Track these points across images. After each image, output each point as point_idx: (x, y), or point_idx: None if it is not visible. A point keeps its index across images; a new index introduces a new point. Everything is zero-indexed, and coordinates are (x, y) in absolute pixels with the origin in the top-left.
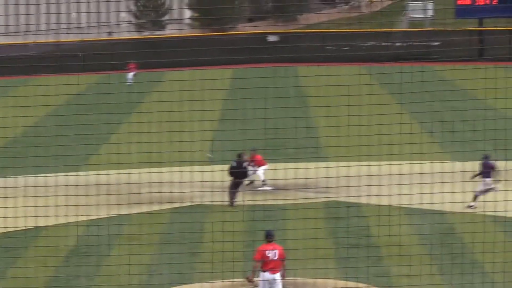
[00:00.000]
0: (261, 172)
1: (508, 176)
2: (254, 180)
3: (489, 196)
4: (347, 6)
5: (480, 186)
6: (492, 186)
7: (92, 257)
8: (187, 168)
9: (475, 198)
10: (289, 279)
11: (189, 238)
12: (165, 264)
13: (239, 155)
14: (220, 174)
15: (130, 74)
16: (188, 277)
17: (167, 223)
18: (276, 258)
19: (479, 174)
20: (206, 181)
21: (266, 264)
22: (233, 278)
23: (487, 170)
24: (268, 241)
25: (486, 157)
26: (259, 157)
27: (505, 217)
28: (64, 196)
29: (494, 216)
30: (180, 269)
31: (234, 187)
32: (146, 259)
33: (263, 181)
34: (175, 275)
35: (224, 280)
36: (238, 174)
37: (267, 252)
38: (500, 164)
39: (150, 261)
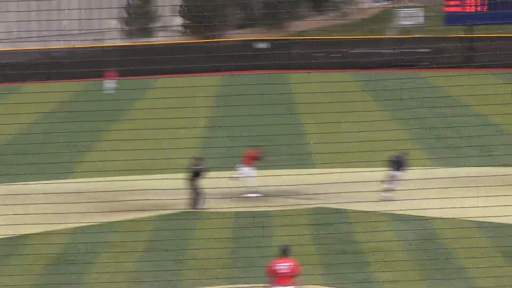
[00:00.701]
0: (253, 179)
1: (493, 182)
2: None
3: (472, 201)
4: (337, 13)
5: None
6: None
7: (78, 265)
8: (173, 176)
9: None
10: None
11: (175, 245)
12: (151, 271)
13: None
14: (207, 181)
15: (109, 82)
16: (174, 285)
17: (153, 231)
18: (286, 272)
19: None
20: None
21: (276, 279)
22: (218, 285)
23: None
24: (281, 256)
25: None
26: (252, 153)
27: (488, 222)
28: (50, 204)
29: (478, 222)
30: (166, 277)
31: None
32: (132, 266)
33: (253, 188)
34: (161, 283)
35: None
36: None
37: (277, 266)
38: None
39: (136, 268)
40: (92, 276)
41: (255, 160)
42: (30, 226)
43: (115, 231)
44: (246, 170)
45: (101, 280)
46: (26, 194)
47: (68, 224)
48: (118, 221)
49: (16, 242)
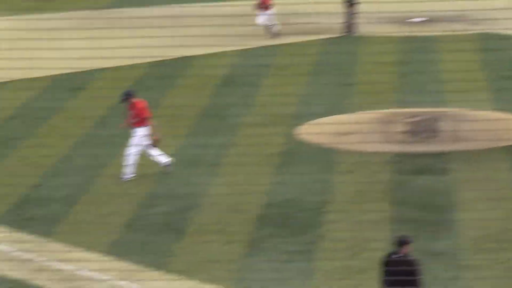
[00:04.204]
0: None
1: None
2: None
3: None
4: None
5: None
6: None
7: (245, 87)
8: None
9: None
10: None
11: (342, 69)
12: (319, 94)
13: None
14: (368, 5)
15: None
16: (341, 107)
17: (319, 54)
18: None
19: None
20: (359, 13)
21: None
22: (383, 109)
23: None
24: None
25: None
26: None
27: None
28: (217, 26)
29: None
30: (333, 100)
31: None
32: (298, 89)
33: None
34: (328, 106)
35: (374, 111)
36: None
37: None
38: None
39: (303, 91)
40: (260, 98)
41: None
42: (196, 48)
43: (282, 55)
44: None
45: (268, 103)
46: (190, 16)
47: (233, 47)
48: (284, 44)
49: (180, 64)
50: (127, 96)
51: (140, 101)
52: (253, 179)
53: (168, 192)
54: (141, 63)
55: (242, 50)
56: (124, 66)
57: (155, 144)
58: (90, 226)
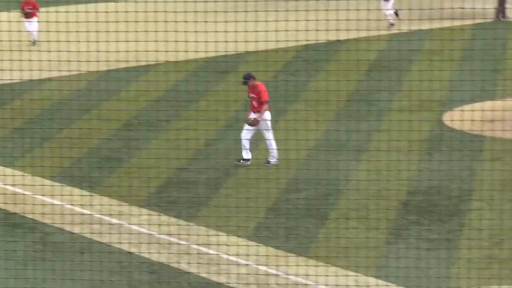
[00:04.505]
0: None
1: None
2: None
3: None
4: None
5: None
6: None
7: (393, 72)
8: None
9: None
10: None
11: (492, 55)
12: (467, 80)
13: None
14: None
15: None
16: (488, 94)
17: (469, 39)
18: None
19: None
20: None
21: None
22: None
23: None
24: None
25: None
26: None
27: None
28: (368, 11)
29: None
30: (482, 86)
31: None
32: (446, 75)
33: None
34: (476, 92)
35: None
36: None
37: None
38: None
39: (452, 77)
40: (408, 83)
41: None
42: (346, 32)
43: (431, 39)
44: None
45: (417, 88)
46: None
47: (383, 31)
48: (434, 29)
49: (332, 47)
50: (247, 78)
51: (260, 84)
52: (398, 165)
53: (311, 177)
54: (289, 47)
55: (392, 34)
56: (272, 49)
57: (252, 124)
58: (233, 210)
